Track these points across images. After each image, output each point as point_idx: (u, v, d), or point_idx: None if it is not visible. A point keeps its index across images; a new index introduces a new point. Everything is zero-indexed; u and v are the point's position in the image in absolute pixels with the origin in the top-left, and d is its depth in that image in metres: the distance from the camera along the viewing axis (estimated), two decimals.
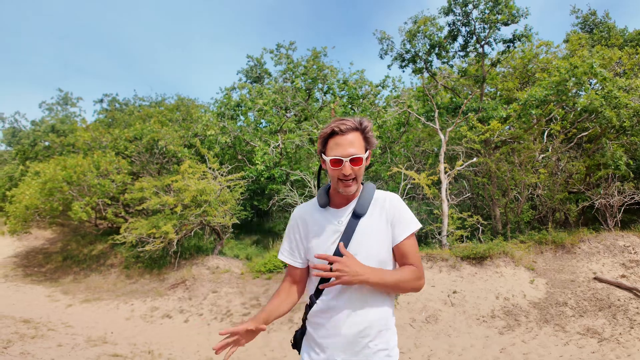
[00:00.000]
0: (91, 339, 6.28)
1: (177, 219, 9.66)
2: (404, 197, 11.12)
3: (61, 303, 9.13)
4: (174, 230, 9.32)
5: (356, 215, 1.78)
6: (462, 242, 9.75)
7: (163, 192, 10.41)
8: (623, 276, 7.54)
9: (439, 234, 10.13)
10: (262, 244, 12.60)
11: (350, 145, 1.69)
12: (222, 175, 10.91)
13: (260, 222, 16.87)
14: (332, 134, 1.72)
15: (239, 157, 14.10)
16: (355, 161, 1.69)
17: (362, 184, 1.85)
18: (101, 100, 22.38)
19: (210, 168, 10.95)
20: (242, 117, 15.10)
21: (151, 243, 9.32)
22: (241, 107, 14.06)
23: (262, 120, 15.49)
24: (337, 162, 1.69)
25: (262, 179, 12.40)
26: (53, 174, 10.66)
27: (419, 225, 1.77)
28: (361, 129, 1.73)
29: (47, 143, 17.88)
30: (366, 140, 1.75)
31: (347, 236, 1.76)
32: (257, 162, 11.73)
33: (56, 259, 13.75)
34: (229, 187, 10.73)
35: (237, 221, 10.56)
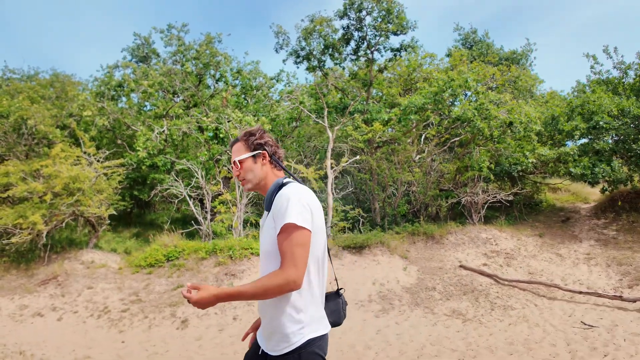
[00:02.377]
0: None
1: (46, 208, 8.64)
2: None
3: None
4: (43, 220, 8.35)
5: (267, 209, 1.98)
6: (345, 232, 10.38)
7: (31, 178, 9.23)
8: (485, 264, 8.73)
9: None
10: (143, 237, 11.89)
11: (234, 154, 2.06)
12: (98, 161, 10.03)
13: (140, 214, 15.88)
14: (231, 147, 2.10)
15: (119, 141, 13.09)
16: (236, 164, 2.02)
17: (281, 182, 1.99)
18: None
19: (85, 153, 10.01)
20: (124, 99, 14.01)
21: (17, 235, 8.25)
22: (123, 87, 13.05)
23: (146, 104, 14.55)
24: (232, 169, 2.08)
25: (143, 166, 11.67)
26: None
27: (289, 220, 1.76)
28: (243, 139, 2.05)
29: None
30: (247, 145, 2.02)
31: (261, 226, 2.02)
32: (138, 148, 11.04)
33: None
34: (105, 174, 9.92)
35: (115, 212, 9.82)
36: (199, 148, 13.55)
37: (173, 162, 11.81)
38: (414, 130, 12.40)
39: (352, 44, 12.95)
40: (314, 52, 12.88)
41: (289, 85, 15.62)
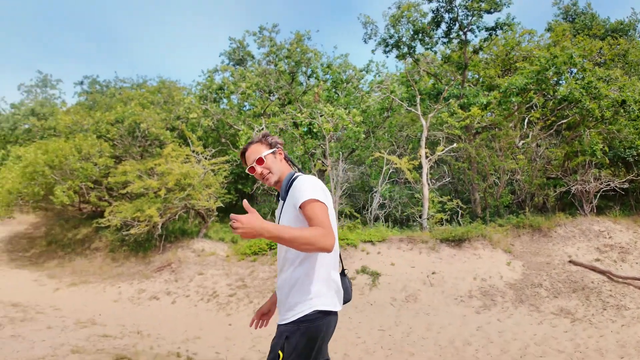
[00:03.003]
0: (80, 321, 6.33)
1: (161, 202, 9.65)
2: (385, 181, 11.34)
3: (48, 287, 9.12)
4: (159, 213, 9.33)
5: (282, 199, 2.19)
6: (442, 225, 10.03)
7: (146, 175, 10.36)
8: (597, 260, 7.90)
9: (420, 217, 10.38)
10: None
11: (253, 155, 2.27)
12: (206, 158, 10.89)
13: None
14: (242, 154, 2.32)
15: (223, 140, 14.05)
16: (260, 160, 2.24)
17: (294, 174, 2.24)
18: (81, 82, 21.88)
19: (193, 151, 10.92)
20: (225, 100, 14.98)
21: (136, 226, 9.32)
22: (224, 90, 13.95)
23: (245, 104, 15.39)
24: (250, 171, 2.28)
25: None
26: (34, 158, 10.49)
27: (311, 196, 1.96)
28: (259, 140, 2.32)
29: (27, 126, 17.47)
30: (266, 143, 2.30)
31: (278, 214, 2.24)
32: (241, 146, 11.72)
33: (40, 243, 13.61)
34: (213, 170, 10.73)
35: (222, 204, 10.60)
36: (294, 143, 14.04)
37: None
38: (515, 113, 11.53)
39: (443, 26, 12.41)
40: (403, 39, 12.56)
41: (379, 76, 15.44)
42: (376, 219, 10.94)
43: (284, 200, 2.15)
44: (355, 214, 10.80)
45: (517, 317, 6.22)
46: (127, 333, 5.92)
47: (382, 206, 11.19)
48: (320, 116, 11.52)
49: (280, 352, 1.93)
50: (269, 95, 13.92)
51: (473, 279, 7.49)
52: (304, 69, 14.22)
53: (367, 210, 11.25)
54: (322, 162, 11.83)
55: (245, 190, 14.11)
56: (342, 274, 2.32)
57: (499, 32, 12.14)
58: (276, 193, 2.36)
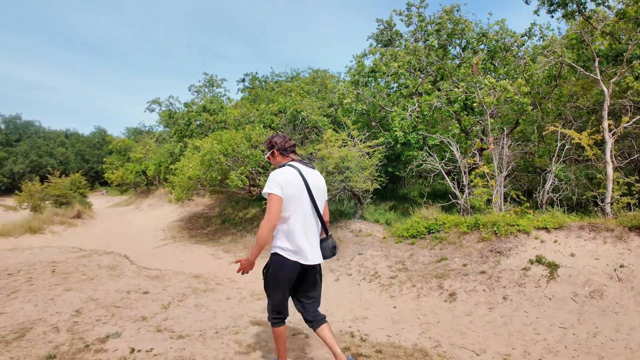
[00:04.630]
0: (255, 293, 6.89)
1: None
2: (560, 159, 10.11)
3: (224, 260, 10.27)
4: None
5: None
6: (630, 210, 8.54)
7: (307, 160, 10.98)
8: None
9: (602, 201, 9.02)
10: (399, 210, 12.64)
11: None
12: (361, 142, 11.09)
13: (393, 189, 16.91)
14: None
15: (373, 123, 14.14)
16: (268, 158, 3.51)
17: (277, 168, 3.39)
18: (243, 80, 24.23)
19: (349, 135, 11.20)
20: (372, 83, 15.00)
21: None
22: (375, 72, 13.96)
23: (392, 85, 15.20)
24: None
25: (398, 145, 12.29)
26: (211, 148, 11.93)
27: (265, 191, 3.10)
28: (264, 144, 3.65)
29: (199, 122, 20.04)
30: (266, 147, 3.49)
31: None
32: (394, 128, 11.62)
33: (215, 222, 15.56)
34: (367, 153, 10.88)
35: (379, 186, 10.71)
36: (449, 121, 13.44)
37: (425, 138, 12.05)
38: None
39: None
40: None
41: (543, 40, 13.74)
42: (549, 202, 9.86)
43: None
44: (522, 197, 9.90)
45: None
46: None
47: (555, 189, 10.03)
48: (480, 89, 10.76)
49: (264, 270, 3.32)
50: (420, 73, 13.51)
51: None
52: (457, 41, 13.44)
53: (535, 193, 10.22)
54: (482, 139, 11.08)
55: (398, 173, 14.03)
56: (326, 238, 3.40)
57: None
58: None
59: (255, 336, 4.59)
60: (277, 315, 3.35)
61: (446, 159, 10.83)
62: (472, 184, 9.92)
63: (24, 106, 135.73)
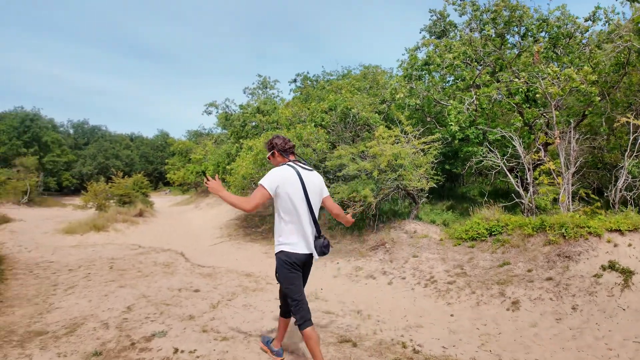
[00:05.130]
0: None
1: (374, 183, 9.82)
2: (634, 154, 9.08)
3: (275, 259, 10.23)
4: (372, 194, 9.50)
5: None
6: None
7: (359, 158, 10.68)
8: None
9: None
10: (457, 210, 12.00)
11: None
12: (415, 137, 10.62)
13: (451, 187, 16.17)
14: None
15: (428, 119, 13.54)
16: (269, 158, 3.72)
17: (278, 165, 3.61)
18: (294, 80, 24.29)
19: (402, 132, 10.76)
20: (427, 77, 14.39)
21: (351, 206, 9.70)
22: (429, 65, 13.38)
23: (448, 78, 14.51)
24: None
25: (455, 141, 11.66)
26: (263, 147, 11.95)
27: (259, 182, 3.35)
28: (265, 146, 4.07)
29: (254, 123, 20.32)
30: (267, 148, 3.70)
31: None
32: (451, 122, 11.02)
33: (269, 220, 15.59)
34: (422, 150, 10.39)
35: (435, 185, 10.20)
36: (510, 115, 12.60)
37: (484, 133, 11.34)
38: None
39: None
40: None
41: (608, 24, 12.49)
42: (622, 202, 8.88)
43: None
44: (592, 196, 8.99)
45: None
46: (347, 311, 6.02)
47: (628, 187, 9.03)
48: (543, 79, 9.93)
49: (276, 274, 3.55)
50: (477, 64, 12.77)
51: None
52: (515, 29, 12.56)
53: (606, 191, 9.26)
54: (546, 133, 10.24)
55: (456, 171, 13.35)
56: (319, 237, 3.52)
57: None
58: None
59: (300, 340, 4.39)
60: (303, 316, 3.43)
61: (508, 155, 10.11)
62: (536, 181, 9.17)
63: (91, 112, 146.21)
